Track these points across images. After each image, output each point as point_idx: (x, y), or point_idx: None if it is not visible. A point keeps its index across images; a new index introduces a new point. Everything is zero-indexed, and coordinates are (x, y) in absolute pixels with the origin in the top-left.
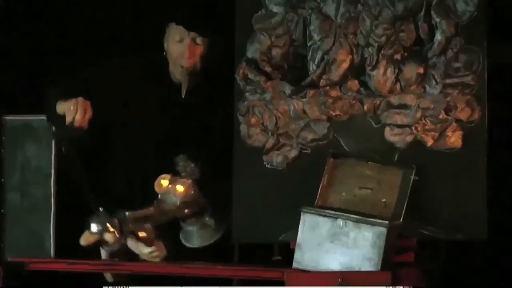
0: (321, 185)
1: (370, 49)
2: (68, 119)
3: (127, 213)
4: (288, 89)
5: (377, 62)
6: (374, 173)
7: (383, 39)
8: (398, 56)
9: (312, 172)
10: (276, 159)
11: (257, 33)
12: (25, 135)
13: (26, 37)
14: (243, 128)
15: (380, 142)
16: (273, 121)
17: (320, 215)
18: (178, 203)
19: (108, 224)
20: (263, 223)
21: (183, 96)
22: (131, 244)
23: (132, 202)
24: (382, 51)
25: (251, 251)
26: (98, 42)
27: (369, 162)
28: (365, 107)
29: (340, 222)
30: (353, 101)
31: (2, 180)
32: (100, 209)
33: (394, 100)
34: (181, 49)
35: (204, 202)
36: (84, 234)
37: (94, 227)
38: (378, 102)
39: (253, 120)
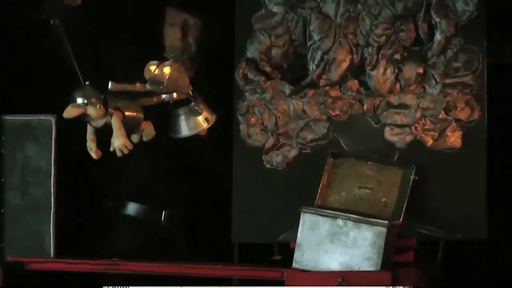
0: (320, 184)
1: (369, 49)
2: None
3: (110, 83)
4: (287, 89)
5: (377, 62)
6: (373, 173)
7: (383, 39)
8: (397, 56)
9: (312, 171)
10: (275, 159)
11: (257, 33)
12: (25, 135)
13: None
14: (242, 128)
15: (380, 142)
16: (272, 121)
17: (320, 214)
18: (164, 83)
19: (93, 98)
20: (262, 223)
21: None
22: (115, 122)
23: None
24: (381, 51)
25: (250, 251)
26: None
27: (369, 162)
28: (365, 107)
29: (340, 222)
30: (353, 101)
31: (2, 179)
32: (87, 82)
33: (394, 100)
34: (175, 31)
35: (191, 89)
36: (68, 107)
37: (79, 99)
38: (377, 102)
39: (252, 120)
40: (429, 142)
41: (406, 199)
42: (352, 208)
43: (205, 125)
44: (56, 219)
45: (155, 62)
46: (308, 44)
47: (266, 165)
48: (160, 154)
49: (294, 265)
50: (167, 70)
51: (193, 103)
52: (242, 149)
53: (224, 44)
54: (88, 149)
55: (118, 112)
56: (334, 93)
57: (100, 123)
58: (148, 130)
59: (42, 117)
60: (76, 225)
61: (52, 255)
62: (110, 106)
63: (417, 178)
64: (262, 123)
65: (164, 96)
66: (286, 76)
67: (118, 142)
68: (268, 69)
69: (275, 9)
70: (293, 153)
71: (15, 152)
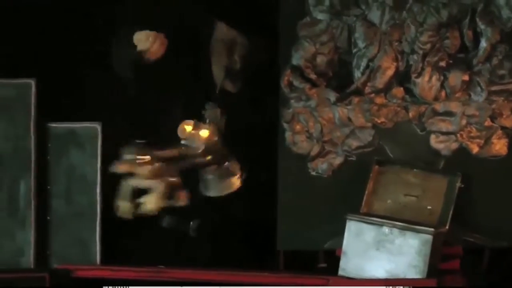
0: (366, 192)
1: (415, 56)
2: (143, 46)
3: (154, 152)
4: (333, 96)
5: (422, 69)
6: (419, 180)
7: (428, 46)
8: (443, 63)
9: (357, 179)
10: (321, 166)
11: (302, 41)
12: (71, 143)
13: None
14: (288, 135)
15: (425, 149)
16: (318, 128)
17: (365, 222)
18: (201, 148)
19: (145, 157)
20: (308, 230)
21: (217, 92)
22: (161, 188)
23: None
24: (427, 58)
25: (296, 258)
26: None
27: (414, 169)
28: (410, 114)
29: (386, 229)
30: (398, 108)
31: (48, 187)
32: (137, 140)
33: (439, 107)
34: (223, 47)
35: (225, 150)
36: (120, 162)
37: (129, 155)
38: (423, 109)
39: (298, 127)
40: (475, 149)
41: (452, 207)
42: (398, 216)
43: (237, 185)
44: (102, 226)
45: (191, 121)
46: (353, 51)
47: (312, 173)
48: None
49: (340, 272)
50: (204, 133)
51: (226, 164)
52: (288, 156)
53: (270, 52)
54: (121, 209)
55: (166, 178)
56: (379, 100)
57: (142, 183)
58: (182, 200)
59: (88, 124)
60: (121, 233)
61: (97, 262)
62: (159, 173)
63: (463, 185)
64: (308, 131)
65: (198, 159)
66: (331, 84)
67: (151, 207)
68: (313, 76)
69: (320, 16)
70: (338, 160)
71: (61, 159)
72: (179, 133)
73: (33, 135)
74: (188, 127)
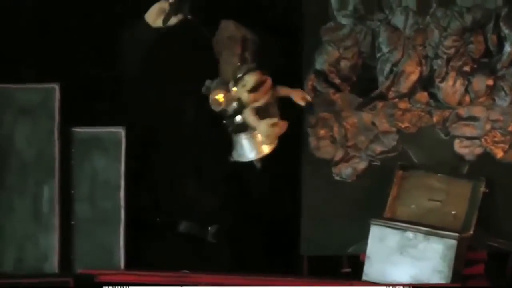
0: (390, 197)
1: (439, 61)
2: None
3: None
4: (356, 101)
5: (446, 74)
6: (443, 185)
7: (452, 50)
8: (467, 68)
9: (381, 184)
10: (345, 171)
11: (326, 45)
12: (94, 147)
13: None
14: (312, 140)
15: (449, 154)
16: (342, 133)
17: (389, 227)
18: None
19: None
20: (332, 235)
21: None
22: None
23: None
24: (451, 63)
25: (320, 263)
26: None
27: (438, 174)
28: (434, 119)
29: (410, 234)
30: (422, 113)
31: (72, 191)
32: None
33: (463, 112)
34: (233, 45)
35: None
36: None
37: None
38: (447, 114)
39: (322, 132)
40: (499, 154)
41: (476, 212)
42: (421, 221)
43: (270, 149)
44: (125, 231)
45: (215, 91)
46: (377, 56)
47: (335, 177)
48: (230, 165)
49: (364, 277)
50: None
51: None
52: (311, 161)
53: (293, 56)
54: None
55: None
56: (403, 105)
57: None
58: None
59: (112, 129)
60: (145, 238)
61: (122, 267)
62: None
63: (487, 190)
64: (331, 136)
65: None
66: (355, 88)
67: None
68: (337, 81)
69: (343, 21)
70: (362, 165)
71: (85, 164)
72: (212, 104)
73: (57, 140)
74: (219, 96)
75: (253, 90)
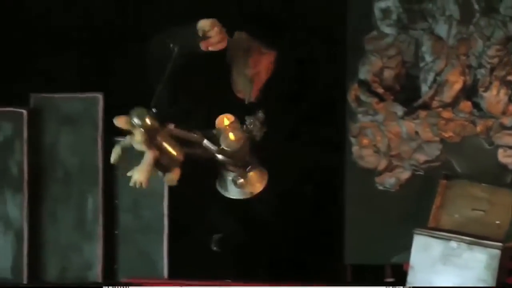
0: (433, 206)
1: (482, 70)
2: (210, 33)
3: (172, 126)
4: (400, 110)
5: (490, 83)
6: (486, 195)
7: (496, 60)
8: (510, 77)
9: (425, 193)
10: (388, 181)
11: (369, 55)
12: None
13: None
14: (355, 149)
15: (493, 164)
16: (385, 142)
17: (432, 236)
18: (223, 148)
19: (146, 125)
20: (375, 244)
21: (246, 103)
22: (148, 159)
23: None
24: (494, 72)
25: (363, 272)
26: None
27: (482, 184)
28: (478, 129)
29: (453, 244)
30: (466, 123)
31: (116, 201)
32: (153, 109)
33: (507, 121)
34: (245, 57)
35: (248, 161)
36: (121, 116)
37: (134, 118)
38: (490, 123)
39: (365, 141)
40: None
41: None
42: (465, 230)
43: (255, 192)
44: (169, 240)
45: (232, 117)
46: (420, 65)
47: (379, 187)
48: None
49: (408, 286)
50: (231, 136)
51: (248, 170)
52: (354, 170)
53: (336, 66)
54: (114, 156)
55: (157, 151)
56: (446, 114)
57: (137, 146)
58: (173, 176)
59: None
60: (189, 247)
61: (165, 276)
62: (154, 141)
63: None
64: (375, 145)
65: (220, 156)
66: (399, 98)
67: (138, 177)
68: (380, 90)
69: (387, 30)
70: (405, 175)
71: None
72: (216, 121)
73: (101, 149)
74: (226, 120)
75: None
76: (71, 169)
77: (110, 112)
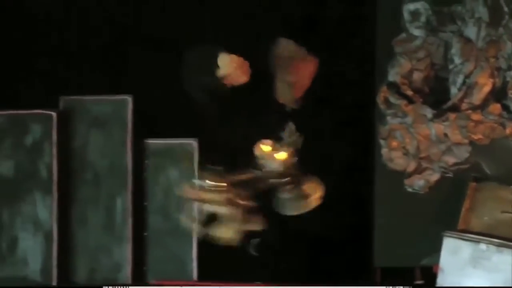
0: (463, 209)
1: (511, 72)
2: (226, 71)
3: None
4: (429, 112)
5: None
6: None
7: None
8: None
9: (454, 196)
10: (417, 183)
11: (398, 57)
12: (167, 159)
13: None
14: (384, 151)
15: None
16: (414, 144)
17: (462, 239)
18: (278, 170)
19: (218, 183)
20: (404, 247)
21: (287, 110)
22: (237, 215)
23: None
24: None
25: (393, 274)
26: None
27: (511, 186)
28: (507, 131)
29: (483, 246)
30: (495, 125)
31: (145, 203)
32: (211, 166)
33: None
34: (288, 64)
35: (300, 172)
36: (187, 186)
37: (201, 182)
38: None
39: (394, 143)
40: None
41: None
42: (494, 233)
43: (313, 205)
44: (198, 242)
45: (268, 141)
46: (450, 67)
47: (408, 189)
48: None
49: None
50: (281, 156)
51: (303, 185)
52: (384, 173)
53: (365, 68)
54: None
55: (241, 204)
56: (476, 116)
57: (218, 210)
58: (258, 224)
59: (184, 141)
60: (217, 249)
61: (194, 278)
62: (229, 196)
63: None
64: (404, 147)
65: (272, 181)
66: (428, 100)
67: (229, 235)
68: (409, 92)
69: (416, 32)
70: (435, 177)
71: (158, 176)
72: (256, 152)
73: (130, 151)
74: (265, 147)
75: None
76: (101, 171)
77: (140, 114)
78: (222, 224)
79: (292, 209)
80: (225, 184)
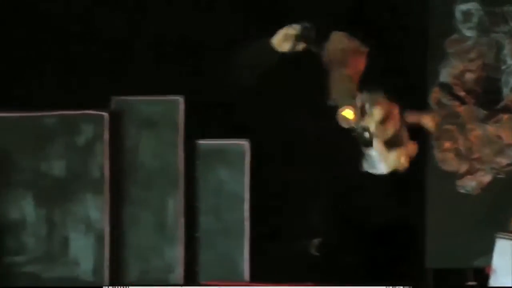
0: None
1: None
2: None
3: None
4: (481, 113)
5: None
6: None
7: None
8: None
9: (507, 197)
10: (470, 184)
11: (450, 57)
12: (218, 160)
13: None
14: (436, 153)
15: None
16: (466, 146)
17: None
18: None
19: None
20: (457, 248)
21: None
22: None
23: None
24: None
25: (445, 275)
26: None
27: None
28: None
29: None
30: None
31: (196, 204)
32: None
33: None
34: (343, 57)
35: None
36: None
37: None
38: None
39: (446, 145)
40: None
41: None
42: None
43: (405, 163)
44: (251, 244)
45: (345, 108)
46: (502, 68)
47: (460, 190)
48: (355, 178)
49: None
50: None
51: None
52: (436, 174)
53: (417, 69)
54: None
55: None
56: None
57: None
58: (411, 151)
59: (236, 141)
60: (269, 250)
61: (246, 279)
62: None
63: None
64: (456, 148)
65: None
66: (480, 101)
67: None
68: (461, 93)
69: (468, 33)
70: (487, 178)
71: (209, 176)
72: (343, 122)
73: (181, 152)
74: (348, 112)
75: (382, 122)
76: (152, 172)
77: (191, 114)
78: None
79: (380, 168)
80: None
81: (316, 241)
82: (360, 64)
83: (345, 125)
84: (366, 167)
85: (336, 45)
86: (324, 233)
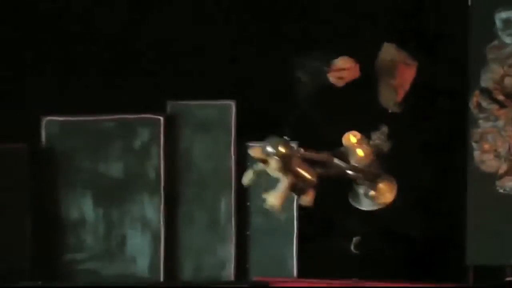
0: None
1: None
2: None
3: (302, 150)
4: None
5: None
6: None
7: None
8: None
9: None
10: (509, 184)
11: (490, 63)
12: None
13: None
14: (476, 154)
15: None
16: (506, 147)
17: None
18: (356, 163)
19: (280, 149)
20: (496, 246)
21: (390, 111)
22: (284, 185)
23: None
24: None
25: (485, 272)
26: None
27: None
28: None
29: None
30: None
31: (248, 203)
32: (285, 137)
33: None
34: (391, 67)
35: (376, 173)
36: (257, 147)
37: (268, 147)
38: None
39: (486, 146)
40: None
41: None
42: None
43: (387, 202)
44: (299, 241)
45: (358, 134)
46: None
47: (499, 190)
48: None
49: None
50: (360, 153)
51: (376, 184)
52: (476, 175)
53: (459, 74)
54: (247, 179)
55: (291, 177)
56: None
57: (273, 173)
58: (308, 198)
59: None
60: (317, 247)
61: (295, 276)
62: (288, 167)
63: None
64: (496, 150)
65: (350, 172)
66: None
67: (273, 202)
68: (501, 97)
69: (508, 40)
70: None
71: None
72: (343, 139)
73: (234, 154)
74: (353, 138)
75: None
76: (206, 173)
77: (243, 118)
78: (275, 190)
79: (365, 205)
80: (287, 152)
81: (356, 239)
82: (407, 76)
83: (343, 142)
84: (352, 200)
85: (386, 56)
86: (368, 232)
